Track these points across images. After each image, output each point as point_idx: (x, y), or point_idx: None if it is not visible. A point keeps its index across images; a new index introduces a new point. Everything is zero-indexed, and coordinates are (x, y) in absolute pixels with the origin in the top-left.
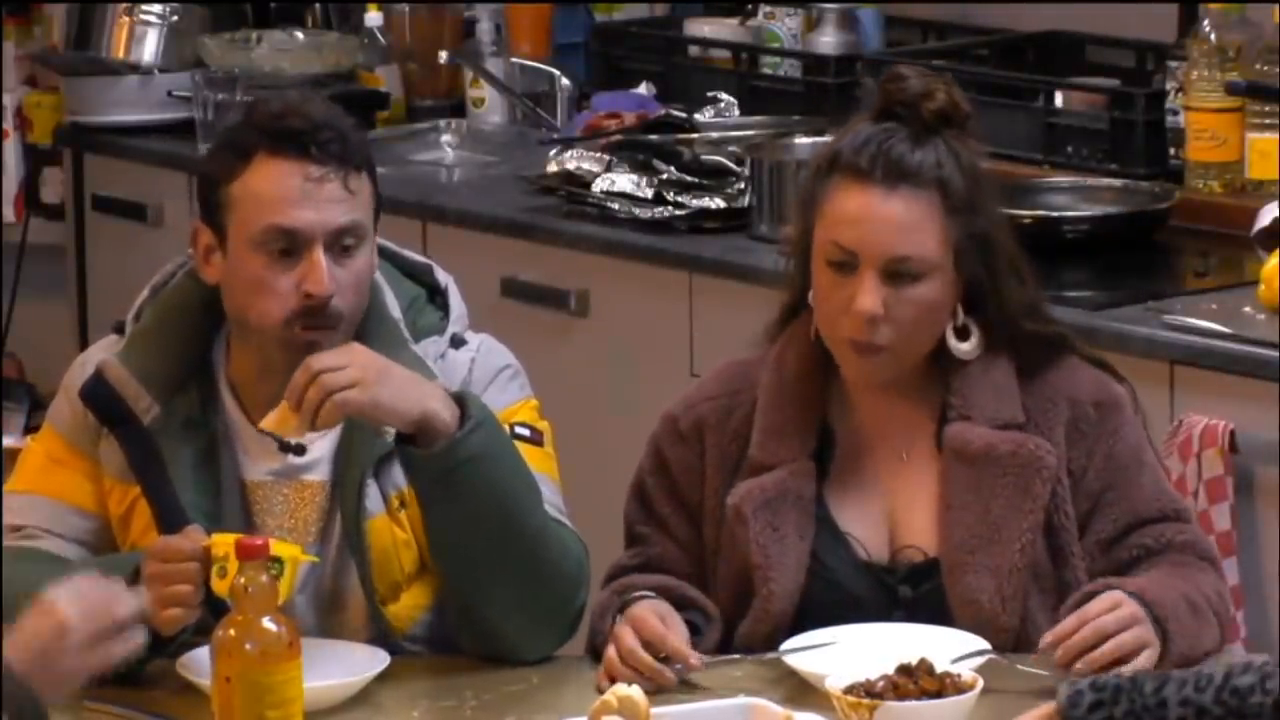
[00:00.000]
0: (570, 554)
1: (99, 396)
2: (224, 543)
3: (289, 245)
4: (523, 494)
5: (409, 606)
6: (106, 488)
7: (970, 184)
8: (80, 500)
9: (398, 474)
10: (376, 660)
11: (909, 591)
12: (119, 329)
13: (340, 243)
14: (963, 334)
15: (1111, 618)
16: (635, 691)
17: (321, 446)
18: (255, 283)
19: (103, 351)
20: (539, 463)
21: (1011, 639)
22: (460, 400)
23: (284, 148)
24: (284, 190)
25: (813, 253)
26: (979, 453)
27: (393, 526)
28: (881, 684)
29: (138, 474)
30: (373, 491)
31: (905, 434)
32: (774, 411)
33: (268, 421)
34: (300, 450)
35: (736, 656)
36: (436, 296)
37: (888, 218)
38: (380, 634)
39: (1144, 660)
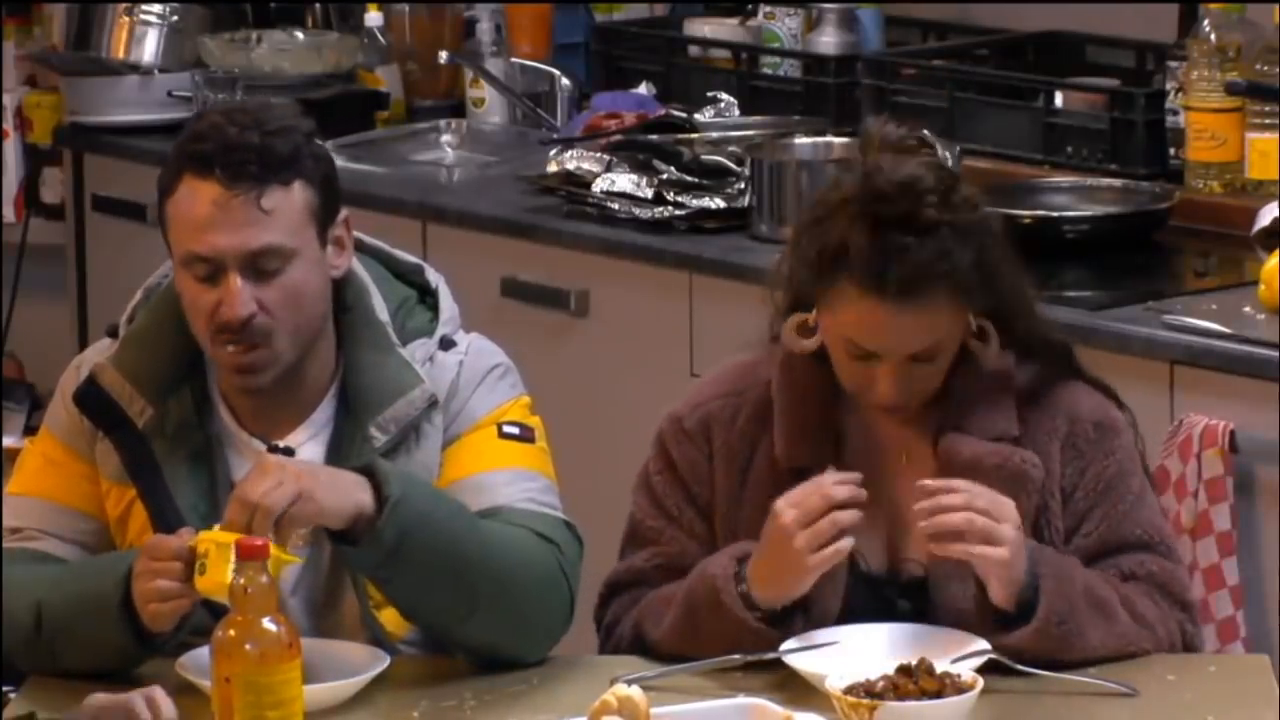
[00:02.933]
0: (535, 562)
1: (92, 400)
2: (207, 540)
3: (208, 271)
4: (466, 537)
5: (398, 618)
6: (104, 489)
7: (978, 253)
8: (78, 502)
9: None
10: (376, 660)
11: (907, 605)
12: (113, 332)
13: (257, 265)
14: (980, 335)
15: (985, 500)
16: (635, 691)
17: (312, 449)
18: (188, 302)
19: (97, 355)
20: (531, 460)
21: None
22: (372, 473)
23: (199, 170)
24: (196, 215)
25: (822, 325)
26: (966, 464)
27: None
28: (881, 684)
29: (133, 476)
30: None
31: (908, 445)
32: (793, 413)
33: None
34: (289, 452)
35: (737, 657)
36: (427, 297)
37: (905, 326)
38: (374, 638)
39: (992, 554)
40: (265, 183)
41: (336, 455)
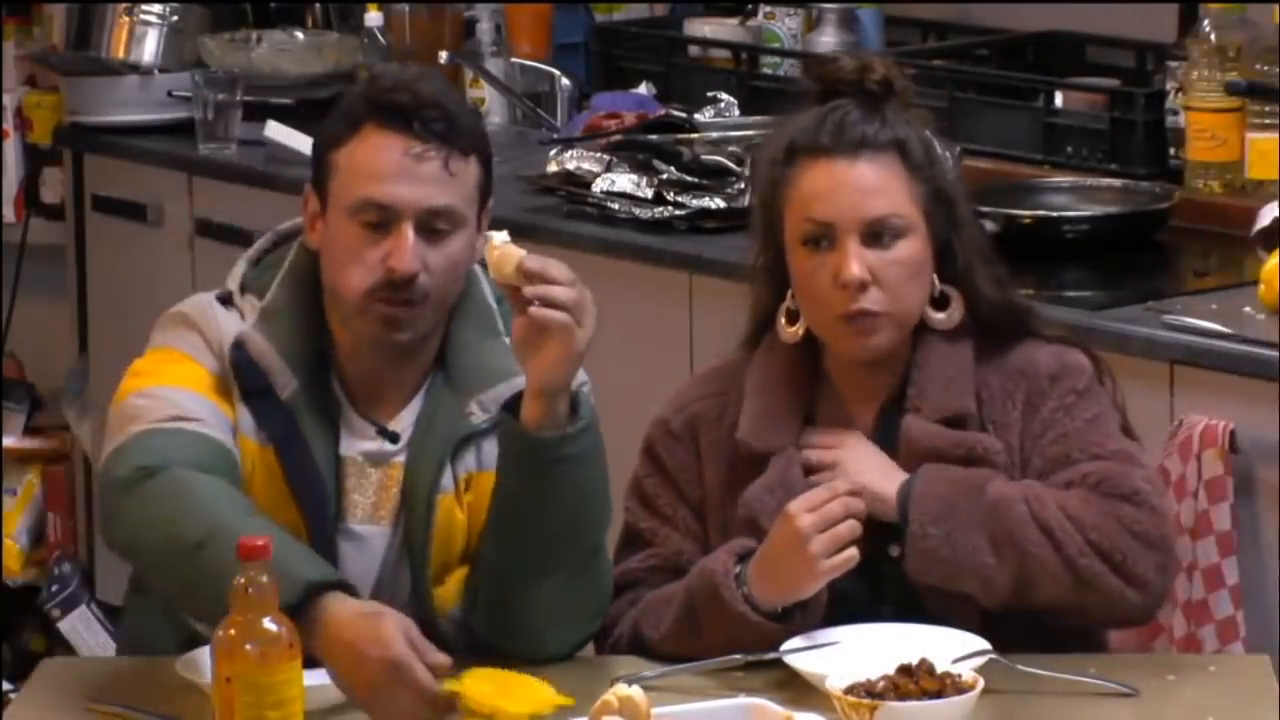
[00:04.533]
0: (610, 578)
1: (245, 366)
2: (475, 692)
3: (380, 219)
4: (600, 501)
5: (453, 590)
6: (237, 439)
7: (925, 146)
8: (229, 414)
9: (470, 458)
10: None
11: (891, 589)
12: (224, 299)
13: (431, 225)
14: (939, 304)
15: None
16: (636, 691)
17: (407, 427)
18: (345, 251)
19: (219, 310)
20: None
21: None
22: (573, 396)
23: (389, 121)
24: (382, 164)
25: (786, 243)
26: (929, 453)
27: (455, 509)
28: (882, 684)
29: (278, 449)
30: (448, 471)
31: (878, 424)
32: (762, 398)
33: (496, 240)
34: (395, 438)
35: (737, 657)
36: None
37: (856, 182)
38: (421, 612)
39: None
40: (452, 145)
41: (430, 425)
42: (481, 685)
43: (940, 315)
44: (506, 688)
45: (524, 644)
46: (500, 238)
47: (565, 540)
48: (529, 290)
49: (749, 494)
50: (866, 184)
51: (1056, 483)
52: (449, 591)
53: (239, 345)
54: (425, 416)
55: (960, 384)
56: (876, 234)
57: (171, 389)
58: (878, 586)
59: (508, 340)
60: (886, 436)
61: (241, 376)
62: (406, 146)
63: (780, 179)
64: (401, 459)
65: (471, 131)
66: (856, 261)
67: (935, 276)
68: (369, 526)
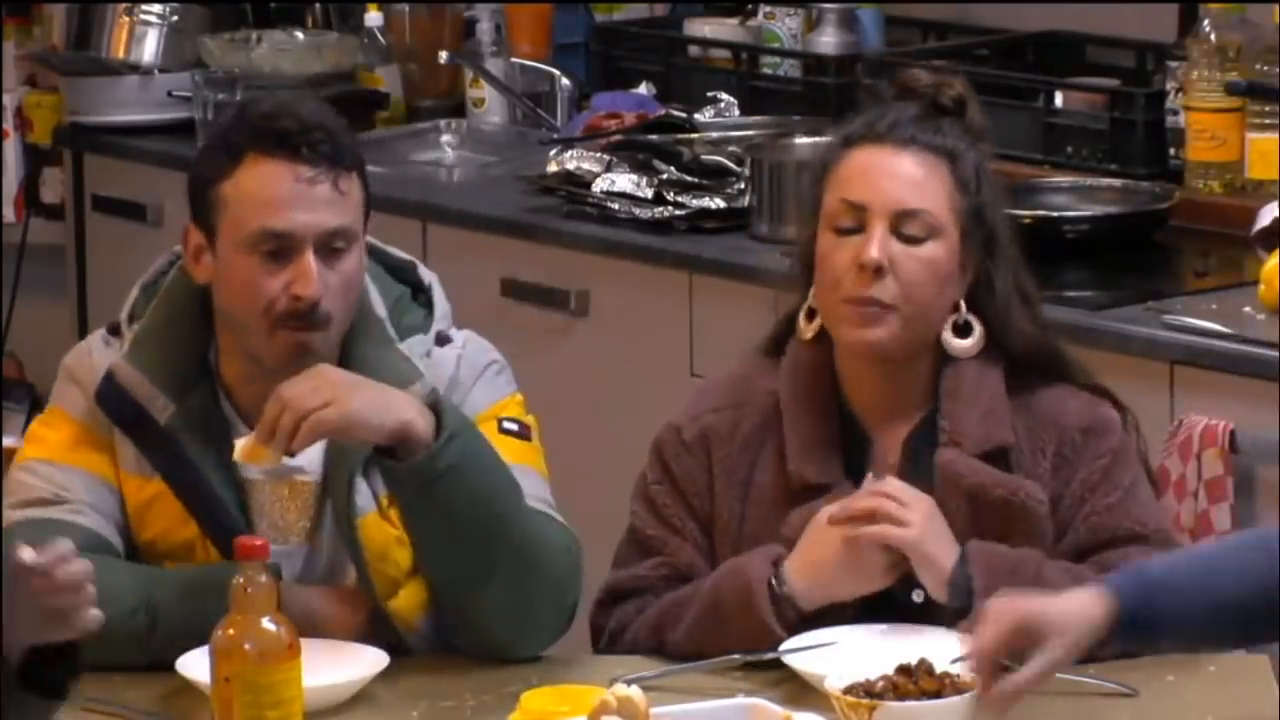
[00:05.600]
0: (558, 552)
1: (112, 398)
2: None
3: (279, 247)
4: (505, 497)
5: (409, 604)
6: (121, 477)
7: (978, 170)
8: (108, 476)
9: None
10: (376, 660)
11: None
12: (113, 329)
13: (330, 245)
14: (962, 332)
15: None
16: (635, 692)
17: (314, 446)
18: (244, 284)
19: (100, 347)
20: (527, 457)
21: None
22: (435, 408)
23: (274, 149)
24: (275, 192)
25: (819, 228)
26: (970, 490)
27: (384, 524)
28: (881, 684)
29: (164, 474)
30: (363, 489)
31: (905, 455)
32: (803, 423)
33: (239, 453)
34: (291, 453)
35: (736, 656)
36: (419, 294)
37: (897, 171)
38: (383, 630)
39: (896, 533)
40: (339, 165)
41: (338, 450)
42: (537, 700)
43: (961, 343)
44: (563, 698)
45: (491, 643)
46: (239, 449)
47: (483, 545)
48: (277, 441)
49: (795, 517)
50: (907, 174)
51: (1100, 563)
52: (403, 605)
53: (108, 376)
54: (333, 442)
55: (998, 414)
56: (906, 227)
57: (50, 465)
58: (889, 609)
59: (401, 346)
60: (916, 468)
61: (111, 410)
62: (296, 173)
63: (829, 162)
64: (306, 476)
65: (352, 148)
66: (878, 246)
67: (963, 303)
68: (277, 547)
